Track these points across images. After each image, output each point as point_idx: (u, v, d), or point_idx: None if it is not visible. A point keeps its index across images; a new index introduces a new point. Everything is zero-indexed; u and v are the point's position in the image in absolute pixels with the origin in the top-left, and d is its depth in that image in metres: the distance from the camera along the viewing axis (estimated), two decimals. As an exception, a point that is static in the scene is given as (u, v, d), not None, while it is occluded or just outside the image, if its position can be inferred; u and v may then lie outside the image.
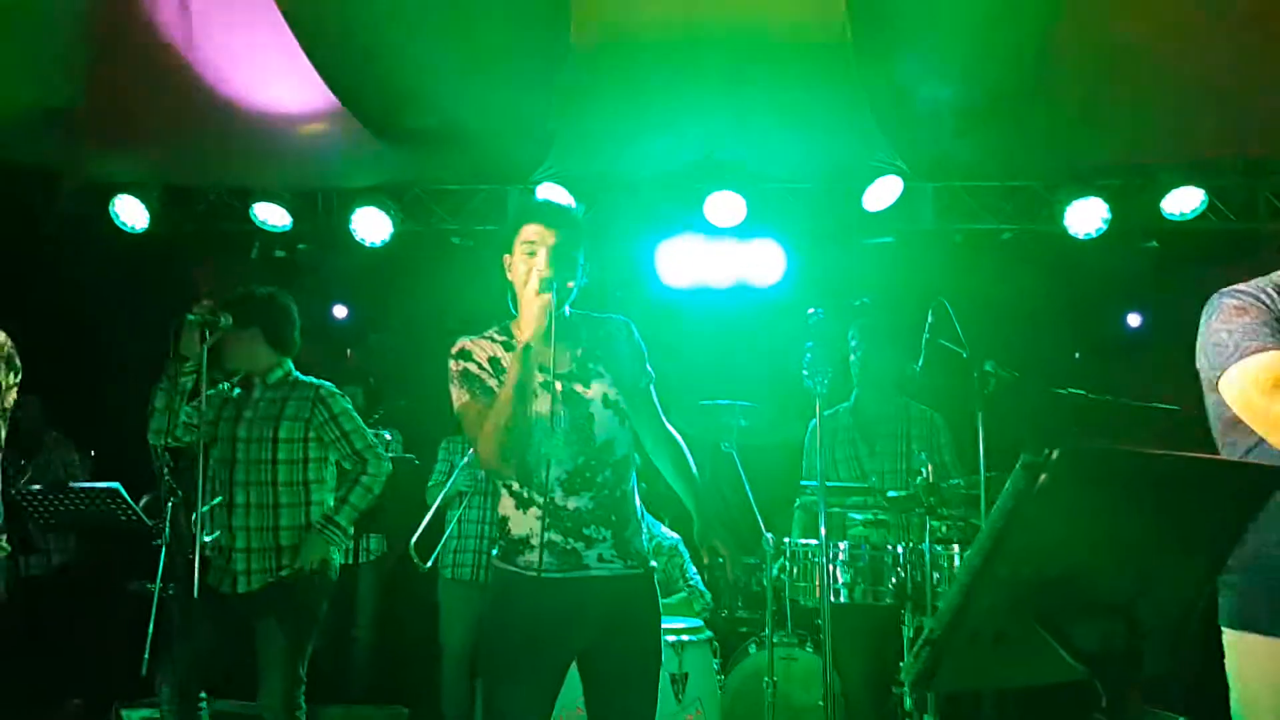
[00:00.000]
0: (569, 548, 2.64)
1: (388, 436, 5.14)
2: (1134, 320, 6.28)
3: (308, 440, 3.80)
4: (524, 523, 2.66)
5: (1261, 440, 2.16)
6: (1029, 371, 4.00)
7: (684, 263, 5.95)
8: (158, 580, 4.41)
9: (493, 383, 2.66)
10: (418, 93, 5.17)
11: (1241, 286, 2.29)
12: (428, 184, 6.17)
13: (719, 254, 5.91)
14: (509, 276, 2.76)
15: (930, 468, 3.89)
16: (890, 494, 3.95)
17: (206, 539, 3.58)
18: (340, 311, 6.98)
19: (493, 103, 5.15)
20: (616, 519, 2.70)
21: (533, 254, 2.66)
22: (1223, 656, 2.29)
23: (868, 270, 5.98)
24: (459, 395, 2.69)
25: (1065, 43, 4.37)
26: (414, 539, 4.03)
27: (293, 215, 6.05)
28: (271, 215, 6.05)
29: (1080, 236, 5.60)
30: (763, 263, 5.92)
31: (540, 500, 2.63)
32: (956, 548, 3.94)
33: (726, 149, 5.64)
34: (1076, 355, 6.12)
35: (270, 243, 6.31)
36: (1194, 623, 1.88)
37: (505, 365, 2.68)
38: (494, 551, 2.78)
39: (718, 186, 5.70)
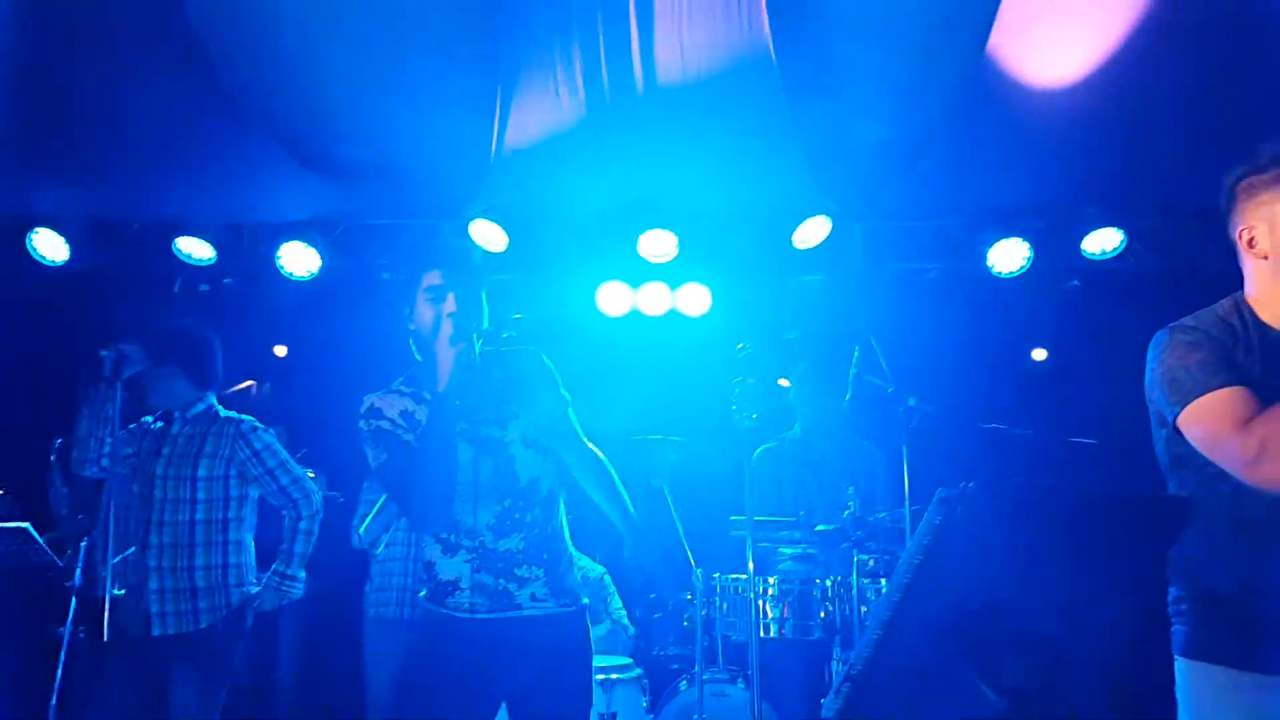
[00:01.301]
0: (500, 588, 2.63)
1: (311, 474, 5.03)
2: (1039, 354, 6.38)
3: (228, 478, 3.72)
4: (452, 567, 2.64)
5: (1213, 478, 2.17)
6: (956, 407, 4.05)
7: (618, 295, 5.94)
8: (68, 624, 4.26)
9: (409, 437, 2.61)
10: (343, 122, 5.12)
11: (1188, 322, 2.30)
12: (356, 218, 6.10)
13: (651, 291, 5.92)
14: (411, 325, 2.70)
15: (857, 502, 3.92)
16: (818, 527, 3.96)
17: (115, 591, 3.45)
18: (280, 350, 6.80)
19: (424, 135, 5.12)
20: (549, 556, 2.69)
21: (438, 300, 2.62)
22: (1153, 686, 2.32)
23: (798, 306, 6.04)
24: (376, 455, 2.64)
25: (991, 82, 4.46)
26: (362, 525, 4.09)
27: (217, 249, 5.93)
28: (195, 249, 5.93)
29: (1003, 275, 5.71)
30: (693, 298, 5.94)
31: (469, 543, 2.62)
32: (884, 581, 3.96)
33: (659, 187, 5.66)
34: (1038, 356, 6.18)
35: (194, 277, 6.18)
36: (1119, 655, 1.90)
37: (419, 418, 2.64)
38: (421, 593, 2.73)
39: (651, 224, 5.71)
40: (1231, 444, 2.08)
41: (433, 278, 2.63)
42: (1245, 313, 2.28)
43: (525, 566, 2.65)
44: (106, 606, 3.39)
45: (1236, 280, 2.37)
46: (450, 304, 2.59)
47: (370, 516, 4.82)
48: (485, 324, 2.72)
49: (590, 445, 2.91)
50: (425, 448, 2.54)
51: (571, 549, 2.84)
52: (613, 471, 2.90)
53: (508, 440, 2.70)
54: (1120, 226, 5.66)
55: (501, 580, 2.63)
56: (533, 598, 2.66)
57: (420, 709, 2.59)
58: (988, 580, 1.69)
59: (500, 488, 2.66)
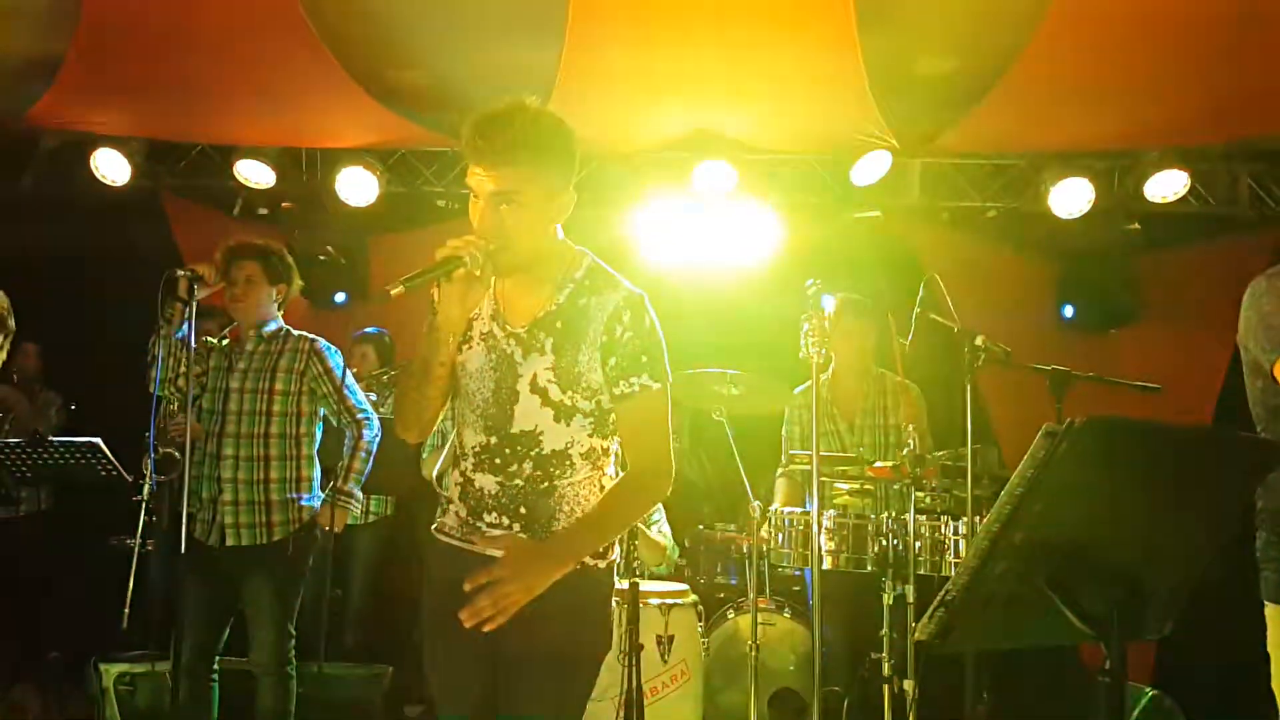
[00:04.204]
0: (471, 523, 2.35)
1: (374, 398, 5.12)
2: (1067, 312, 6.31)
3: (300, 393, 3.79)
4: (450, 481, 2.42)
5: None
6: (1012, 347, 4.06)
7: (672, 232, 5.95)
8: (138, 535, 4.41)
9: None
10: (408, 49, 5.12)
11: None
12: (415, 145, 6.12)
13: (707, 224, 5.92)
14: None
15: (916, 439, 3.96)
16: (877, 464, 4.01)
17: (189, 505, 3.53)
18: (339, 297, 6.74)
19: (485, 62, 5.11)
20: (527, 512, 2.29)
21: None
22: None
23: (855, 243, 6.03)
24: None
25: (1061, 21, 4.39)
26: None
27: (277, 173, 5.99)
28: (255, 173, 5.98)
29: (1064, 216, 5.66)
30: (750, 233, 5.93)
31: (460, 464, 2.38)
32: (943, 518, 4.01)
33: (717, 119, 5.64)
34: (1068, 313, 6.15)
35: (253, 200, 6.25)
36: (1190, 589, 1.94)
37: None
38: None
39: (706, 157, 5.70)
40: None
41: (470, 176, 2.25)
42: None
43: (494, 514, 2.31)
44: (184, 519, 3.49)
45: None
46: (476, 215, 2.26)
47: (430, 449, 4.89)
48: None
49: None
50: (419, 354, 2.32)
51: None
52: (629, 490, 2.36)
53: (519, 374, 2.28)
54: (1184, 169, 5.58)
55: (472, 518, 2.34)
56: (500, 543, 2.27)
57: (422, 623, 2.46)
58: (1079, 514, 1.72)
59: (492, 418, 2.30)
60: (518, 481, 2.30)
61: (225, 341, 3.92)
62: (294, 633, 3.76)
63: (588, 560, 2.29)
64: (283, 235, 6.18)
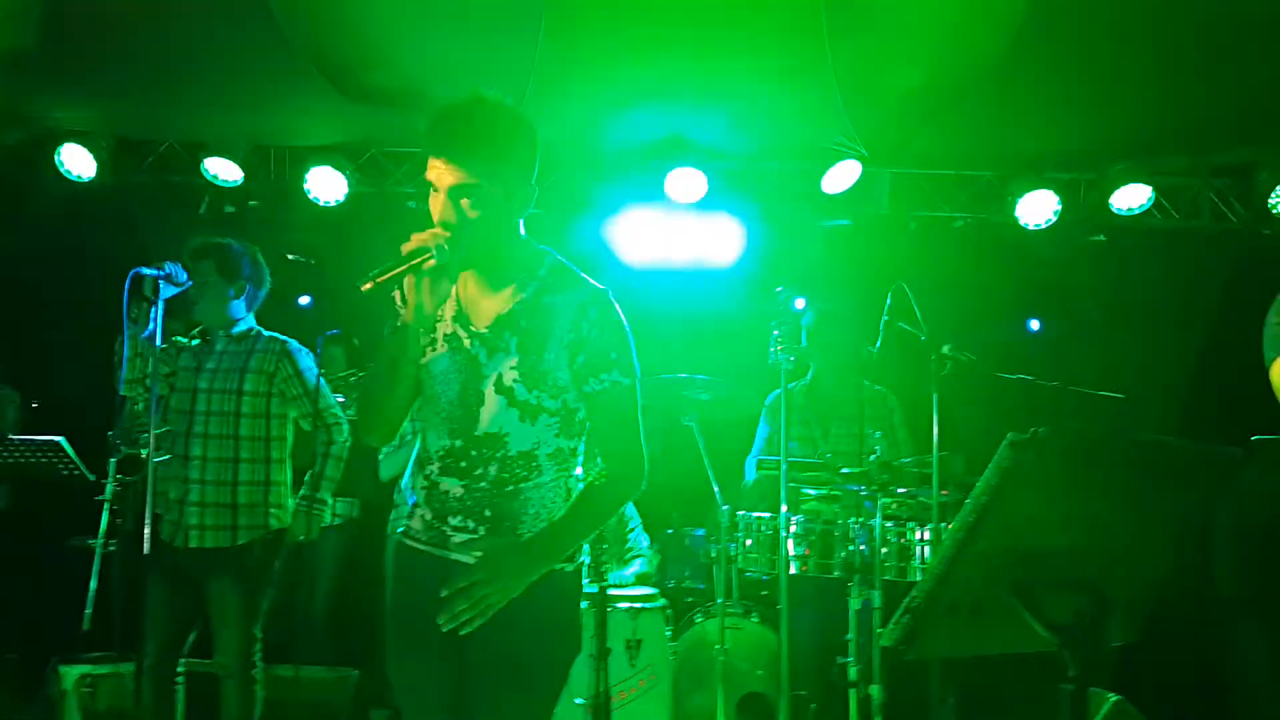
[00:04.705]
0: (437, 527, 2.31)
1: (341, 400, 5.09)
2: (1034, 325, 6.40)
3: (270, 395, 3.76)
4: (415, 485, 2.37)
5: None
6: (978, 356, 4.10)
7: (644, 237, 5.96)
8: (100, 535, 4.36)
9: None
10: (380, 49, 5.10)
11: None
12: (385, 145, 6.09)
13: (678, 230, 5.94)
14: None
15: (883, 446, 3.99)
16: (844, 470, 4.03)
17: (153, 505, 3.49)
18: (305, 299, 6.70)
19: (457, 63, 5.10)
20: (492, 515, 2.26)
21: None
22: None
23: (824, 251, 6.06)
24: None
25: (1032, 35, 4.45)
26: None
27: (245, 171, 5.93)
28: (223, 170, 5.93)
29: (1030, 227, 5.73)
30: (721, 239, 5.96)
31: (425, 468, 2.34)
32: (909, 525, 4.04)
33: (689, 125, 5.66)
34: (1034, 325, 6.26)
35: (220, 198, 6.19)
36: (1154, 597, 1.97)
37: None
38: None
39: (679, 163, 5.71)
40: None
41: (430, 168, 2.21)
42: None
43: (460, 517, 2.28)
44: (148, 519, 3.45)
45: (1258, 241, 2.43)
46: (435, 207, 2.23)
47: (386, 452, 4.87)
48: (502, 218, 2.26)
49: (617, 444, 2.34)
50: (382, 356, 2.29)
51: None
52: (601, 495, 2.33)
53: (484, 375, 2.26)
54: (1148, 183, 5.67)
55: (437, 522, 2.31)
56: (465, 546, 2.27)
57: (385, 627, 2.42)
58: (1043, 522, 1.75)
59: (457, 420, 2.28)
60: (483, 485, 2.27)
61: (195, 342, 3.88)
62: (259, 636, 3.72)
63: (556, 565, 2.28)
64: (250, 234, 6.16)
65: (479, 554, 2.21)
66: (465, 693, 2.28)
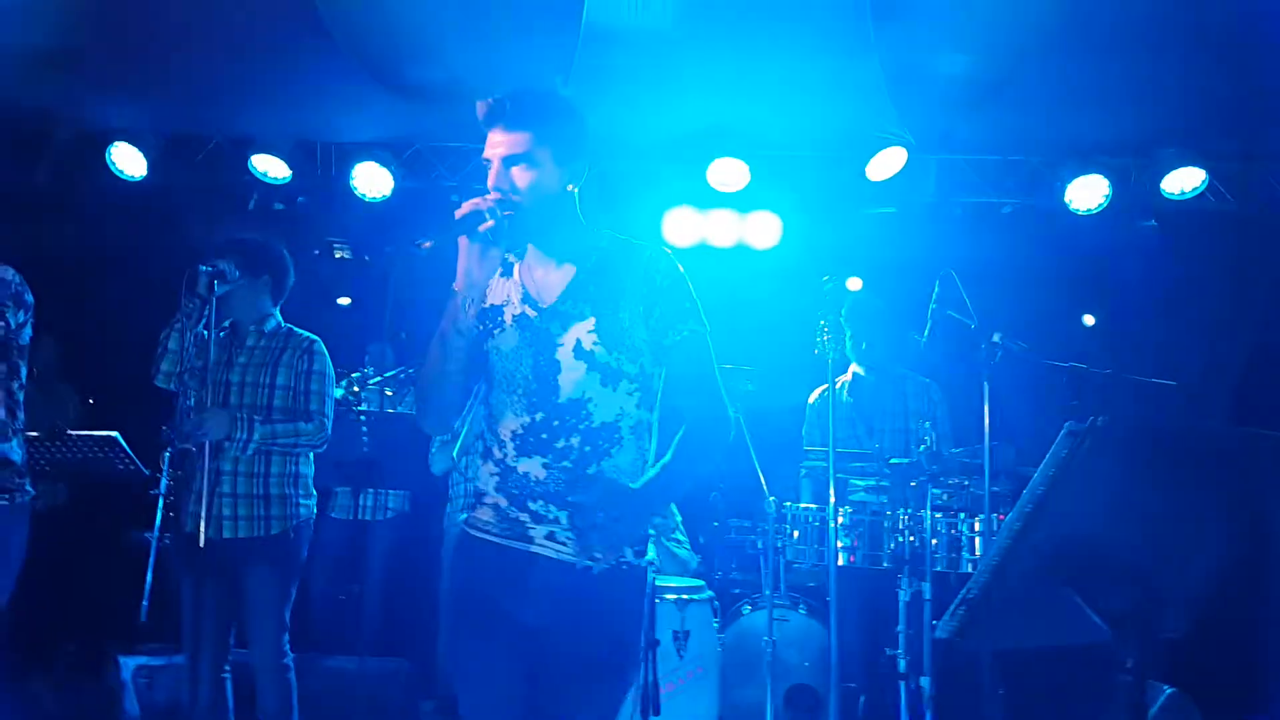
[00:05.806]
0: (514, 516, 2.28)
1: (390, 393, 5.13)
2: (1088, 320, 6.31)
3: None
4: (484, 475, 2.35)
5: None
6: (1028, 344, 4.05)
7: (686, 225, 5.95)
8: (155, 528, 4.42)
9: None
10: (423, 42, 5.12)
11: None
12: (430, 140, 6.12)
13: (721, 220, 5.92)
14: None
15: (933, 437, 3.95)
16: (893, 461, 4.00)
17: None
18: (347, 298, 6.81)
19: (500, 59, 5.11)
20: (574, 501, 2.17)
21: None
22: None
23: (869, 239, 6.01)
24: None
25: (1079, 16, 4.37)
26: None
27: (292, 168, 6.00)
28: (270, 167, 5.99)
29: (1081, 213, 5.64)
30: (763, 229, 5.93)
31: (495, 454, 2.32)
32: (961, 515, 4.00)
33: (731, 114, 5.63)
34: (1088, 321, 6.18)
35: (269, 195, 6.26)
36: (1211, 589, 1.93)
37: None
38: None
39: (721, 153, 5.69)
40: None
41: (488, 142, 2.32)
42: None
43: (541, 502, 2.26)
44: (204, 513, 3.50)
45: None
46: (492, 173, 2.32)
47: (439, 444, 4.89)
48: (557, 188, 2.31)
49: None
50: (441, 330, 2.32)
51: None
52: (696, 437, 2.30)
53: (559, 342, 2.27)
54: (1201, 166, 5.56)
55: (514, 509, 2.28)
56: (550, 537, 2.27)
57: (448, 621, 2.48)
58: (1099, 512, 1.72)
59: (535, 394, 2.27)
60: (565, 463, 2.25)
61: (223, 335, 3.90)
62: (288, 624, 3.76)
63: (629, 558, 2.29)
64: (298, 230, 6.23)
65: (563, 545, 2.25)
66: (537, 684, 2.28)
